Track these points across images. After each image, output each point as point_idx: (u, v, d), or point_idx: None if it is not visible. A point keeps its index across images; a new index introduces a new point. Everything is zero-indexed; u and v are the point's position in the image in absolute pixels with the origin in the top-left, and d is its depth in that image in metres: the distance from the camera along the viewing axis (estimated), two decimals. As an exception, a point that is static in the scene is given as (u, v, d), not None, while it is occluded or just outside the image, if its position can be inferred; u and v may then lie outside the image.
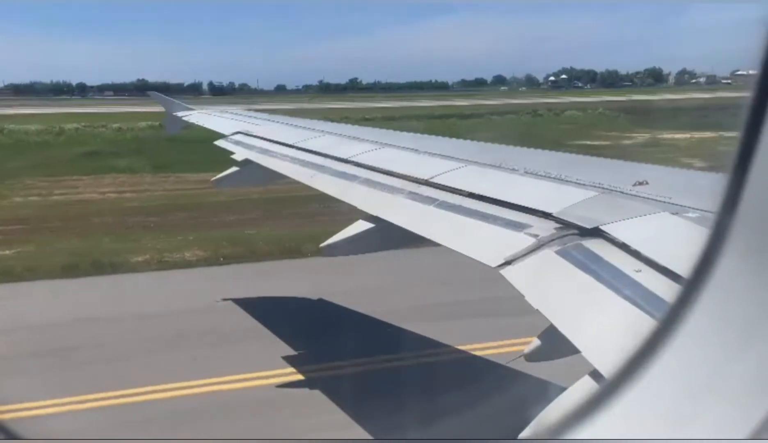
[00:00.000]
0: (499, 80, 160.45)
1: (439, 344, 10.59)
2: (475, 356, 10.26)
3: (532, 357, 3.84)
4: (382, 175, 6.93)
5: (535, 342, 3.78)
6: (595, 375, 2.62)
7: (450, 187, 5.75)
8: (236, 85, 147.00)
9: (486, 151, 7.63)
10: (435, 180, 6.05)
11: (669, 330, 1.28)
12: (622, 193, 4.42)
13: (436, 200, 5.66)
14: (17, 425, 8.16)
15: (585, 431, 1.29)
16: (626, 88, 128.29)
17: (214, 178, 11.94)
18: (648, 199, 4.14)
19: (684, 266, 1.39)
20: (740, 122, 1.20)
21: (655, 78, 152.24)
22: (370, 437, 7.78)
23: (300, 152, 9.46)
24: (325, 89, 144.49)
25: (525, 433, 2.71)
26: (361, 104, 74.73)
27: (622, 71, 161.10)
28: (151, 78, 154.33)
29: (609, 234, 3.67)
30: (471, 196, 5.39)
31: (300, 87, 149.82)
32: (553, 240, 3.97)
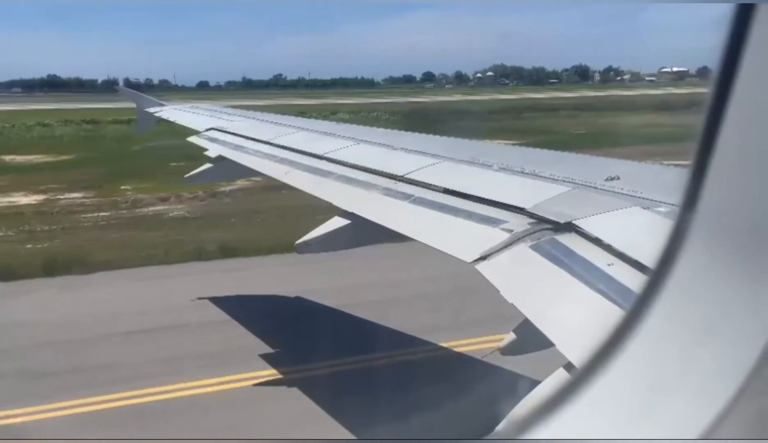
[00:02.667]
0: (428, 77, 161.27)
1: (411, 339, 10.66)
2: (453, 352, 10.33)
3: (508, 351, 3.87)
4: (357, 171, 6.92)
5: (511, 336, 3.81)
6: (569, 367, 2.65)
7: (425, 183, 5.76)
8: (154, 82, 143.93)
9: (460, 147, 7.65)
10: (410, 176, 6.06)
11: (634, 323, 1.30)
12: (594, 188, 4.47)
13: (412, 196, 5.67)
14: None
15: (553, 424, 1.30)
16: (553, 86, 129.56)
17: (186, 176, 11.78)
18: (620, 193, 4.20)
19: (654, 259, 1.41)
20: (700, 120, 1.23)
21: (581, 76, 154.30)
22: (371, 437, 7.78)
23: (275, 148, 9.39)
24: (248, 85, 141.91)
25: (499, 428, 2.74)
26: (279, 101, 73.08)
27: (549, 68, 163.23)
28: (63, 74, 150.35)
29: (582, 228, 3.72)
30: (446, 191, 5.41)
31: (222, 83, 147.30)
32: (527, 235, 4.00)
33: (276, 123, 11.88)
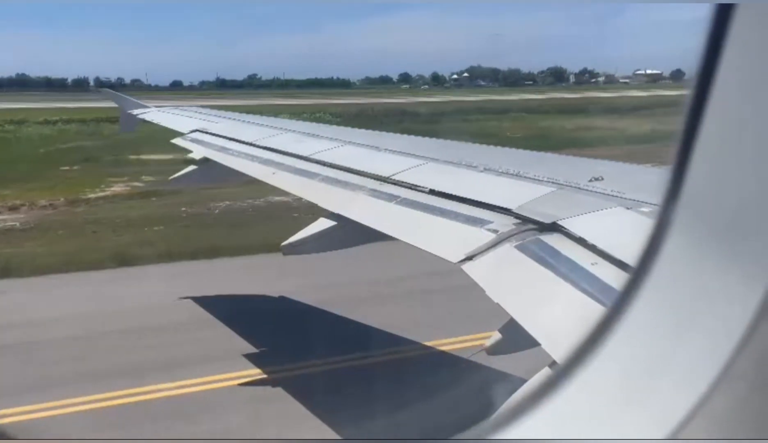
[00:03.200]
0: (405, 78, 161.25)
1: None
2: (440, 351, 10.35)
3: (494, 350, 3.90)
4: (343, 173, 6.93)
5: (496, 335, 3.84)
6: (555, 366, 2.68)
7: (411, 184, 5.79)
8: (126, 81, 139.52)
9: (445, 148, 7.69)
10: (396, 177, 6.09)
11: (616, 318, 1.33)
12: (578, 188, 4.53)
13: (398, 197, 5.70)
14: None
15: (539, 422, 1.32)
16: (527, 87, 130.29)
17: (171, 178, 11.71)
18: (603, 194, 4.26)
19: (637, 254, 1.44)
20: (681, 116, 1.26)
21: (556, 77, 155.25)
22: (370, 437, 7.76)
23: (260, 150, 9.37)
24: (222, 85, 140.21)
25: (485, 426, 2.75)
26: (251, 101, 71.54)
27: (525, 70, 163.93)
28: (33, 73, 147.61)
29: (566, 228, 3.76)
30: (432, 192, 5.44)
31: (196, 83, 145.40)
32: (512, 235, 4.04)
33: (261, 124, 11.85)
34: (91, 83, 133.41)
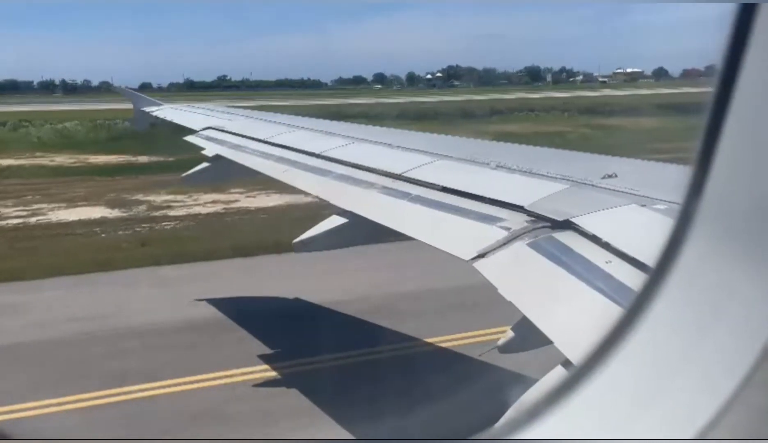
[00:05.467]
0: (379, 79, 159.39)
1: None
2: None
3: (506, 348, 3.88)
4: (355, 170, 6.93)
5: (509, 333, 3.82)
6: (568, 365, 2.66)
7: (423, 182, 5.77)
8: (93, 83, 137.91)
9: (458, 145, 7.67)
10: (408, 174, 6.07)
11: (637, 316, 1.31)
12: (591, 185, 4.48)
13: (410, 194, 5.68)
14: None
15: (551, 422, 1.31)
16: (502, 86, 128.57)
17: (183, 175, 11.76)
18: (617, 191, 4.21)
19: (652, 257, 1.42)
20: (704, 114, 1.24)
21: (532, 77, 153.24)
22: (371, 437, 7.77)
23: (272, 147, 9.38)
24: (190, 87, 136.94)
25: (497, 426, 2.74)
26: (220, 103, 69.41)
27: (500, 70, 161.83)
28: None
29: (579, 226, 3.72)
30: (444, 190, 5.41)
31: (164, 85, 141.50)
32: (525, 233, 4.01)
33: (274, 122, 11.87)
34: (58, 85, 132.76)
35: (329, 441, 7.71)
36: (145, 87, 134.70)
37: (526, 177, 5.13)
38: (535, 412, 1.35)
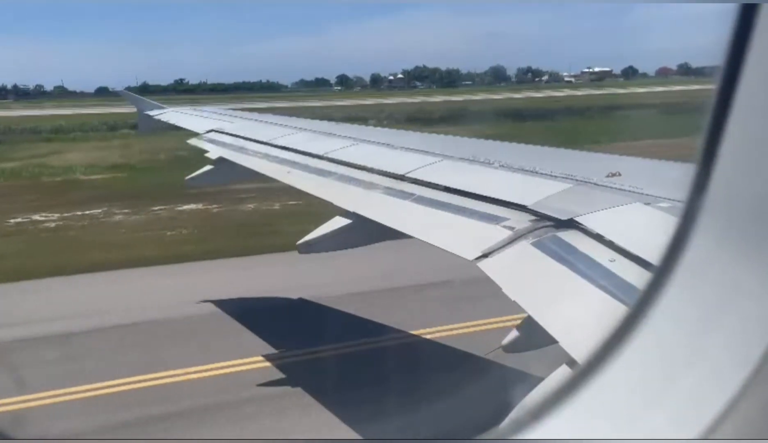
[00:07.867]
0: (342, 80, 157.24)
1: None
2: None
3: (511, 348, 3.87)
4: (358, 171, 6.93)
5: (513, 333, 3.81)
6: (573, 364, 2.65)
7: (426, 182, 5.77)
8: (47, 88, 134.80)
9: (460, 145, 7.66)
10: (411, 175, 6.07)
11: (642, 314, 1.31)
12: (595, 184, 4.48)
13: (413, 195, 5.68)
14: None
15: (557, 422, 1.30)
16: (465, 88, 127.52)
17: (187, 178, 11.78)
18: (620, 189, 4.21)
19: (656, 255, 1.42)
20: (707, 112, 1.24)
21: (497, 77, 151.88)
22: (369, 437, 7.77)
23: (275, 149, 9.40)
24: (145, 90, 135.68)
25: (502, 425, 2.74)
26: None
27: (464, 70, 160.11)
28: None
29: (583, 225, 3.72)
30: (447, 190, 5.41)
31: (120, 89, 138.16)
32: (529, 232, 4.01)
33: (276, 124, 11.89)
34: (9, 90, 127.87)
35: (329, 441, 7.70)
36: (101, 91, 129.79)
37: (529, 176, 5.13)
38: (539, 412, 1.34)
